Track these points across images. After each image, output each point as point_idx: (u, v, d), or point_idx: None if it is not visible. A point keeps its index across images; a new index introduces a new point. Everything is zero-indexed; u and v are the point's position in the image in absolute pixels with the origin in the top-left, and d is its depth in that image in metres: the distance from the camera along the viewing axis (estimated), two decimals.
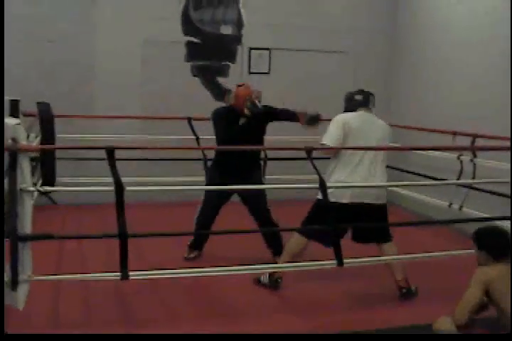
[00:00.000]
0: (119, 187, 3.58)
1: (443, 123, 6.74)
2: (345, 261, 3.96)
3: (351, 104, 4.60)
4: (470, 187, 5.92)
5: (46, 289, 4.18)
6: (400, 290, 4.40)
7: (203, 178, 5.95)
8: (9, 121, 3.58)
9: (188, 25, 7.42)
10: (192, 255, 5.26)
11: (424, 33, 7.62)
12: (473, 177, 5.86)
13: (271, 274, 4.53)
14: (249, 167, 5.11)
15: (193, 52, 7.49)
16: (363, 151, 4.32)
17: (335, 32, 7.87)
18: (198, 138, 7.09)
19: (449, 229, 6.29)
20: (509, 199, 5.25)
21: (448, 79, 7.10)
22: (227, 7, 7.51)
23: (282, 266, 4.40)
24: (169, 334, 3.65)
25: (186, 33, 7.44)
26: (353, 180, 4.29)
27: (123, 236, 3.57)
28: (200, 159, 6.86)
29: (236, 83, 7.46)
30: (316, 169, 4.00)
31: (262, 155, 6.34)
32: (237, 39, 7.62)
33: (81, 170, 6.93)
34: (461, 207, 6.08)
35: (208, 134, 6.95)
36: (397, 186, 6.88)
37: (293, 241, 4.51)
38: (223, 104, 5.55)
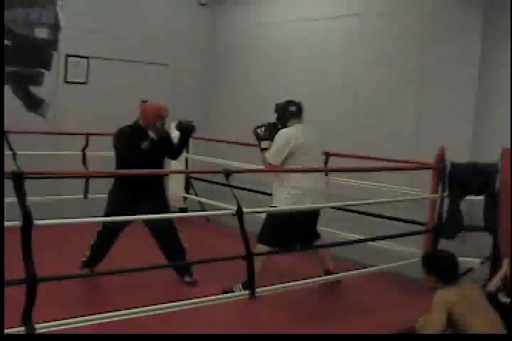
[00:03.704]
0: (28, 221, 2.92)
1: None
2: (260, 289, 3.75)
3: (285, 115, 4.78)
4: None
5: None
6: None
7: None
8: None
9: None
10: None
11: (242, 50, 7.68)
12: None
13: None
14: (157, 190, 4.91)
15: None
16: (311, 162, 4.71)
17: (155, 43, 7.53)
18: (14, 155, 6.24)
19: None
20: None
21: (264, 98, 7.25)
22: (43, 8, 6.75)
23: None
24: (170, 334, 3.35)
25: None
26: (309, 184, 4.66)
27: (31, 282, 2.93)
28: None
29: (49, 92, 6.92)
30: (234, 194, 3.72)
31: None
32: (53, 44, 6.88)
33: None
34: None
35: (23, 149, 6.23)
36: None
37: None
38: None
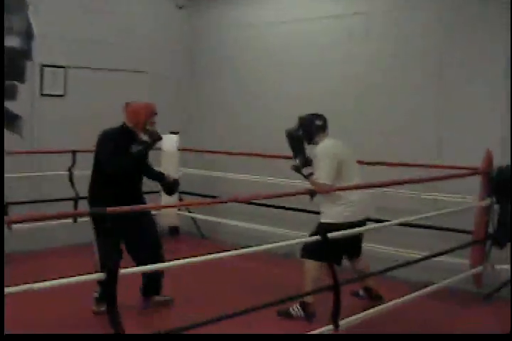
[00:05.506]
0: (113, 272, 2.38)
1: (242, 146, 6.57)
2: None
3: (312, 130, 4.46)
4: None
5: None
6: (374, 295, 4.58)
7: None
8: None
9: None
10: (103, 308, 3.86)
11: (221, 55, 7.22)
12: None
13: (304, 306, 4.34)
14: (140, 197, 4.45)
15: None
16: (354, 174, 4.38)
17: (133, 50, 6.93)
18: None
19: None
20: None
21: (247, 104, 6.93)
22: (13, 15, 6.05)
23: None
24: (170, 334, 2.99)
25: None
26: (358, 197, 4.33)
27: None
28: None
29: (26, 107, 6.20)
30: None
31: None
32: (25, 53, 6.18)
33: None
34: None
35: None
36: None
37: (310, 267, 4.31)
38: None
